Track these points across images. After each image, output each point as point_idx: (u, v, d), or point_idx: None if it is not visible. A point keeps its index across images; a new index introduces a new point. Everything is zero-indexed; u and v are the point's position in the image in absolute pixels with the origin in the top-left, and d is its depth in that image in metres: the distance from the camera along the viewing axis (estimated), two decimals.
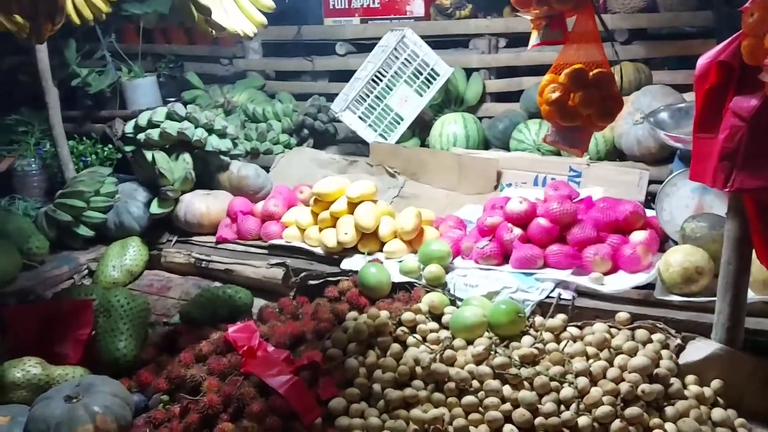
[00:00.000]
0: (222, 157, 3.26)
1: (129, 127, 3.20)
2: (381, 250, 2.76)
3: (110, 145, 3.73)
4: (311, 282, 2.71)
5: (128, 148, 3.26)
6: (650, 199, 2.77)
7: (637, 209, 2.54)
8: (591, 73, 1.97)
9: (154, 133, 3.11)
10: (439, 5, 4.02)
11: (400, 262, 2.64)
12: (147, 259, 3.04)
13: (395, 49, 3.61)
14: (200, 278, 2.94)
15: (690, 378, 2.05)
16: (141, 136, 3.13)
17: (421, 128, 3.76)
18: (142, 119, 3.17)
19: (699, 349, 2.07)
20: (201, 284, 2.87)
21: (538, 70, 3.71)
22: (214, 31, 2.20)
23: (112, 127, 3.92)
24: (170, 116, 3.16)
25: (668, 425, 1.91)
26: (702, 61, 1.83)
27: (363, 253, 2.74)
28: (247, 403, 2.05)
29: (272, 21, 3.02)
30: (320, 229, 2.85)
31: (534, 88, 3.50)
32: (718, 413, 1.97)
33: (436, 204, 3.14)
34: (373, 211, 2.78)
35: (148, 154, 3.11)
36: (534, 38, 1.99)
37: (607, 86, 1.98)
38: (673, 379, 2.02)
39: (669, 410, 1.94)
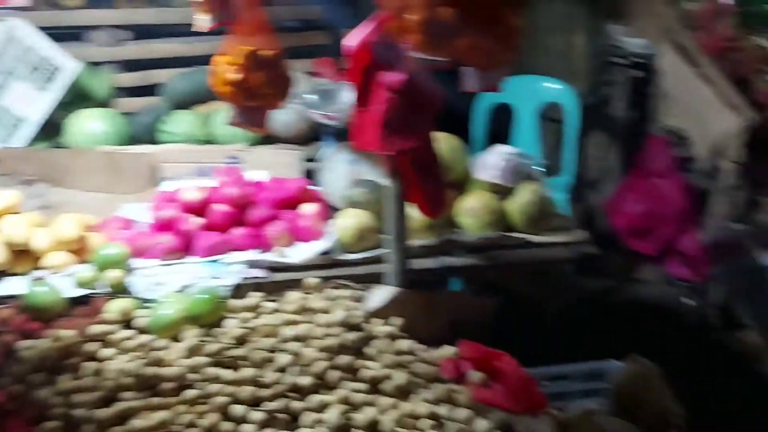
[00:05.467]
0: None
1: None
2: (39, 267, 2.43)
3: None
4: None
5: None
6: (308, 176, 3.03)
7: (303, 185, 2.77)
8: (265, 54, 2.07)
9: None
10: None
11: (71, 275, 2.38)
12: None
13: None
14: None
15: (377, 320, 2.35)
16: None
17: (52, 129, 3.38)
18: None
19: (379, 296, 2.37)
20: None
21: (169, 62, 3.75)
22: None
23: None
24: None
25: (370, 363, 2.16)
26: (352, 44, 2.08)
27: (22, 274, 2.38)
28: None
29: None
30: None
31: (174, 81, 3.54)
32: (404, 344, 2.29)
33: (90, 209, 2.85)
34: (23, 223, 2.42)
35: None
36: (208, 21, 1.99)
37: (281, 66, 2.11)
38: (365, 325, 2.29)
39: (368, 351, 2.20)
